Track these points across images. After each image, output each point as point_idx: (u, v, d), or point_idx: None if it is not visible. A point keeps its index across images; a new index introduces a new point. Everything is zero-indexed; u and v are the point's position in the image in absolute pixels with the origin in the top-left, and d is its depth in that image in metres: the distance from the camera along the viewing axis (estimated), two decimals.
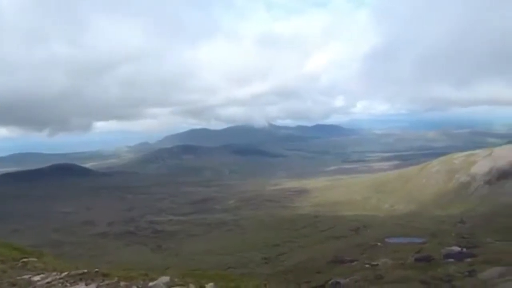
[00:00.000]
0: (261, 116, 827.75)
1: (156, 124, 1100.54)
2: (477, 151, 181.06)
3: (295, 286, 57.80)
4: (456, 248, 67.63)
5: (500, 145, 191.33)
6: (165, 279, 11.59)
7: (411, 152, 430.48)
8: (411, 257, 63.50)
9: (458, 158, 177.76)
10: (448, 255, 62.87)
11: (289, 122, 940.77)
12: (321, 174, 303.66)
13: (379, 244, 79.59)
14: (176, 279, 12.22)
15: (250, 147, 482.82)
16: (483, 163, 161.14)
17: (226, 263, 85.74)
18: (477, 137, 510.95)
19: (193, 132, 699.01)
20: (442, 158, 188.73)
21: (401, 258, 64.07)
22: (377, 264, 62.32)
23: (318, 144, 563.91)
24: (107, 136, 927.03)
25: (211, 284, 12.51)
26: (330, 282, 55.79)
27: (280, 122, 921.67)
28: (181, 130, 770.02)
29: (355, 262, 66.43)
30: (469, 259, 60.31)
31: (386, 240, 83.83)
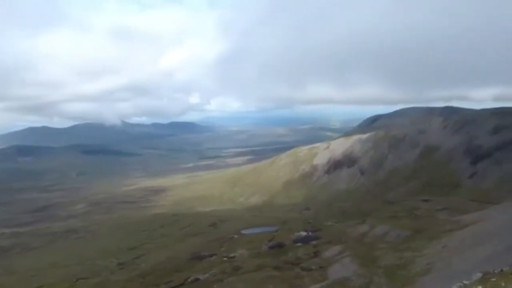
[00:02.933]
0: (113, 113, 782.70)
1: None
2: (317, 144, 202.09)
3: None
4: (303, 233, 73.70)
5: (336, 138, 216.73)
6: None
7: (262, 147, 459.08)
8: (265, 246, 66.76)
9: (302, 151, 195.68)
10: (296, 240, 68.00)
11: (144, 120, 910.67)
12: (178, 171, 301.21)
13: (236, 236, 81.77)
14: None
15: (101, 146, 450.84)
16: (322, 155, 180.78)
17: (75, 274, 77.47)
18: (318, 132, 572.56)
19: (31, 131, 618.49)
20: (289, 152, 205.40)
21: (256, 248, 66.79)
22: (234, 256, 63.71)
23: (174, 142, 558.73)
24: None
25: None
26: (189, 280, 54.92)
27: (135, 120, 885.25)
28: (17, 129, 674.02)
29: (214, 257, 66.79)
30: (314, 242, 66.26)
31: (242, 232, 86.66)
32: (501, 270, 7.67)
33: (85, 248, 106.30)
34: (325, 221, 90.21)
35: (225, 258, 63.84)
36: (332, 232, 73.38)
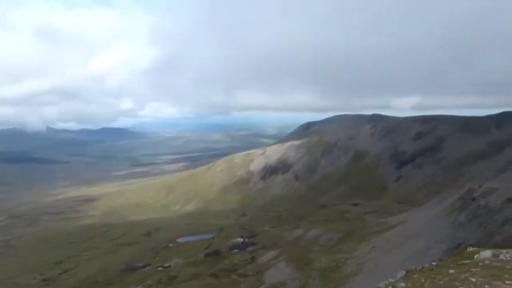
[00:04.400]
0: (37, 118, 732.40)
1: None
2: (253, 150, 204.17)
3: None
4: (240, 239, 73.89)
5: (271, 144, 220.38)
6: None
7: (198, 153, 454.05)
8: (201, 254, 65.94)
9: (238, 157, 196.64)
10: (233, 247, 68.00)
11: (71, 125, 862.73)
12: (110, 179, 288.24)
13: (171, 245, 79.88)
14: None
15: (23, 154, 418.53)
16: (258, 161, 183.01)
17: None
18: (253, 138, 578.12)
19: None
20: (225, 158, 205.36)
21: (192, 256, 65.72)
22: (170, 266, 62.20)
23: (105, 149, 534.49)
24: None
25: None
26: None
27: (61, 125, 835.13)
28: None
29: (148, 267, 64.69)
30: (250, 248, 66.73)
31: (178, 240, 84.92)
32: (422, 267, 8.16)
33: (5, 265, 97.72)
34: (261, 227, 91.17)
35: (160, 268, 62.08)
36: (268, 237, 74.34)
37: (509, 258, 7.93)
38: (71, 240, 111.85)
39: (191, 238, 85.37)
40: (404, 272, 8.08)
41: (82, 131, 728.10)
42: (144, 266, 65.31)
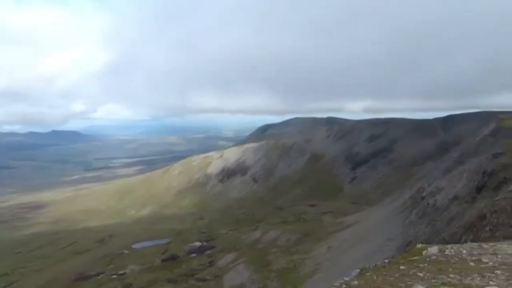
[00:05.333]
0: None
1: None
2: (211, 153, 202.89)
3: None
4: (198, 243, 73.13)
5: (228, 147, 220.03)
6: None
7: (155, 156, 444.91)
8: (157, 259, 64.51)
9: (196, 160, 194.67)
10: (191, 251, 67.14)
11: (18, 128, 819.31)
12: (61, 185, 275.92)
13: (126, 251, 77.49)
14: None
15: None
16: (216, 163, 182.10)
17: None
18: (211, 141, 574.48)
19: None
20: (182, 161, 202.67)
21: (148, 262, 64.14)
22: (125, 273, 60.32)
23: (55, 152, 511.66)
24: None
25: None
26: None
27: (6, 128, 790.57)
28: None
29: (102, 275, 62.35)
30: (209, 251, 66.15)
31: (133, 246, 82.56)
32: (375, 265, 8.39)
33: None
34: (219, 230, 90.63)
35: (114, 276, 60.04)
36: (226, 240, 74.01)
37: (453, 253, 8.34)
38: (17, 250, 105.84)
39: (147, 244, 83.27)
40: (358, 270, 8.25)
41: (29, 134, 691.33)
42: (97, 275, 62.91)
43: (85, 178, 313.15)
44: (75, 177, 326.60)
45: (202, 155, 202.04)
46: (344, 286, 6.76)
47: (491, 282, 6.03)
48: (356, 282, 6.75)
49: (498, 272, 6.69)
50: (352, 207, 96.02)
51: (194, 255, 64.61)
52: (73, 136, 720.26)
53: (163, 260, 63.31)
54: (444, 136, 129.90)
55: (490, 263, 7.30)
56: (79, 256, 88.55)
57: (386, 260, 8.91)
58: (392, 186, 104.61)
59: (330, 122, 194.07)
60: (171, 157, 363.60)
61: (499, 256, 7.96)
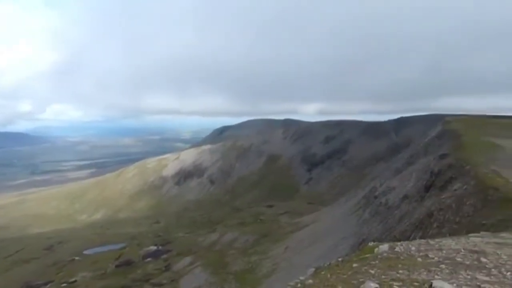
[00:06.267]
0: None
1: None
2: (167, 155, 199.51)
3: None
4: (153, 247, 71.61)
5: (185, 149, 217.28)
6: None
7: (108, 159, 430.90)
8: (111, 265, 62.52)
9: (151, 162, 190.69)
10: (146, 255, 65.64)
11: None
12: (6, 189, 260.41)
13: (77, 258, 74.46)
14: None
15: None
16: (172, 166, 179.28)
17: None
18: (167, 143, 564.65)
19: None
20: (137, 163, 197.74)
21: (101, 268, 61.99)
22: (75, 281, 57.93)
23: (0, 155, 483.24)
24: None
25: None
26: None
27: None
28: None
29: (50, 284, 59.53)
30: (165, 255, 64.96)
31: (85, 252, 79.52)
32: (329, 264, 8.58)
33: None
34: (175, 233, 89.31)
35: (64, 284, 57.48)
36: (183, 244, 73.03)
37: (403, 250, 8.69)
38: None
39: (99, 249, 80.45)
40: (313, 270, 8.39)
41: None
42: (46, 284, 59.99)
43: (32, 182, 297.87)
44: (21, 181, 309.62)
45: (158, 157, 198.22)
46: (299, 285, 6.84)
47: (436, 276, 6.34)
48: (311, 281, 6.86)
49: (443, 266, 7.05)
50: (308, 208, 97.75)
51: (149, 259, 63.24)
52: (19, 137, 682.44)
53: (117, 266, 61.45)
54: (396, 138, 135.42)
55: (436, 258, 7.67)
56: (26, 265, 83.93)
57: (340, 259, 9.12)
58: (347, 187, 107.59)
59: (287, 123, 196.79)
60: (126, 159, 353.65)
61: (444, 251, 8.38)
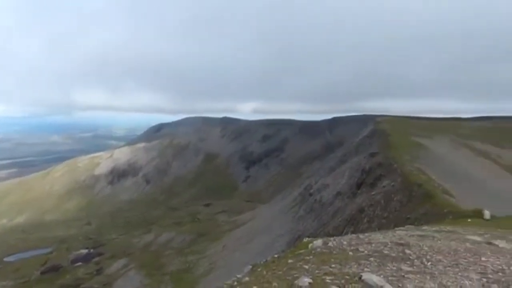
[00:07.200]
0: None
1: None
2: (99, 153, 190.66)
3: None
4: (84, 251, 68.20)
5: (120, 147, 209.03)
6: None
7: (33, 157, 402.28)
8: (36, 272, 58.59)
9: (82, 161, 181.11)
10: (76, 260, 62.39)
11: None
12: None
13: None
14: None
15: None
16: (105, 164, 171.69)
17: None
18: (100, 140, 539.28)
19: None
20: (67, 162, 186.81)
21: (25, 276, 57.89)
22: None
23: None
24: None
25: None
26: None
27: None
28: None
29: None
30: (96, 258, 62.12)
31: (6, 259, 73.74)
32: (266, 260, 8.68)
33: None
34: (108, 235, 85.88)
35: None
36: (116, 246, 70.34)
37: (335, 245, 9.05)
38: None
39: (23, 255, 75.02)
40: (250, 267, 8.43)
41: None
42: None
43: None
44: None
45: (89, 156, 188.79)
46: (235, 283, 6.84)
47: (365, 269, 6.67)
48: (247, 279, 6.89)
49: (372, 259, 7.43)
50: (246, 206, 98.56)
51: (80, 263, 60.17)
52: None
53: (43, 273, 57.72)
54: (330, 137, 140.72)
55: (366, 252, 8.06)
56: None
57: (276, 255, 9.26)
58: (283, 184, 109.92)
59: (225, 122, 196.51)
60: (54, 158, 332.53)
61: (373, 245, 8.84)
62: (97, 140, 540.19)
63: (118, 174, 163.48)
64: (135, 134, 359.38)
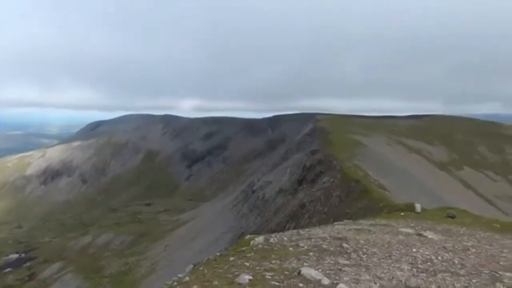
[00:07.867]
0: None
1: None
2: (31, 152, 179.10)
3: None
4: (14, 255, 64.06)
5: (53, 146, 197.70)
6: None
7: None
8: None
9: (11, 160, 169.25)
10: (5, 265, 58.48)
11: None
12: None
13: None
14: None
15: None
16: (37, 164, 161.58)
17: None
18: (31, 139, 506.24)
19: None
20: None
21: None
22: None
23: None
24: None
25: None
26: None
27: None
28: None
29: None
30: (28, 263, 58.47)
31: None
32: (207, 259, 8.64)
33: None
34: (41, 238, 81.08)
35: None
36: (50, 249, 66.62)
37: (276, 241, 9.21)
38: None
39: None
40: (191, 266, 8.34)
41: None
42: None
43: None
44: None
45: (19, 155, 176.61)
46: (175, 283, 6.74)
47: (305, 263, 6.86)
48: (187, 278, 6.81)
49: (311, 254, 7.66)
50: (188, 204, 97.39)
51: (9, 269, 56.33)
52: None
53: None
54: (272, 135, 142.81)
55: (305, 247, 8.30)
56: None
57: (219, 253, 9.24)
58: (226, 182, 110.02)
59: (167, 119, 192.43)
60: None
61: (313, 239, 9.11)
62: (28, 139, 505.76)
63: (51, 174, 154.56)
64: (70, 132, 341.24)
